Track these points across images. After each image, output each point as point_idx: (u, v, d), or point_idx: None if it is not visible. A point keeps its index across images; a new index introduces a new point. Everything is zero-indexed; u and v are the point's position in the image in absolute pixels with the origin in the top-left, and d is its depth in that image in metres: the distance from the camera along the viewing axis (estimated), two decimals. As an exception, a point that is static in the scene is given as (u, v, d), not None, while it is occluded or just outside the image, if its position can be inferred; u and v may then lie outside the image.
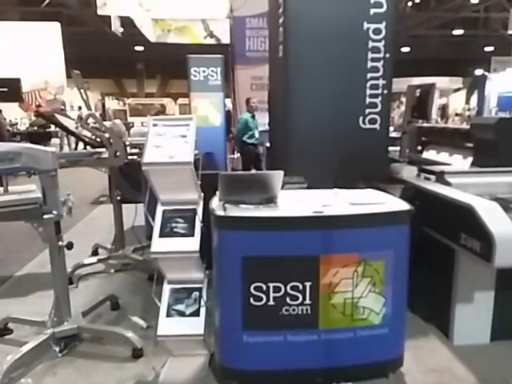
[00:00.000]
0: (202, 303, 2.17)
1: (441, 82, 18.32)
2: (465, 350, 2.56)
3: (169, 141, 2.14)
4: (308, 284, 2.09)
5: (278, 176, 2.17)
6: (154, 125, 2.23)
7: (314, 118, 3.37)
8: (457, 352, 2.54)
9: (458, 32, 19.65)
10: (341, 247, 2.11)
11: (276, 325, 2.11)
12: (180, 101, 20.52)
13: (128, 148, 3.45)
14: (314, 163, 3.27)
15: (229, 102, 8.11)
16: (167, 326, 2.12)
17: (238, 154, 7.19)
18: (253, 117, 6.71)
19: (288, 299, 2.09)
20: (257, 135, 6.70)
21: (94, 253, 4.17)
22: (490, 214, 2.23)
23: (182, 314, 2.15)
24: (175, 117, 2.79)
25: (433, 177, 3.09)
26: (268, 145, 5.06)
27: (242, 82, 7.73)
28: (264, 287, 2.06)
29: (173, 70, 18.29)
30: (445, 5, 15.47)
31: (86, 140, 3.30)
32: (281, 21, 3.48)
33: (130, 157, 3.24)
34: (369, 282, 2.16)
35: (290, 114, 3.45)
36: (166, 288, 2.19)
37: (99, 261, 3.85)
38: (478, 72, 18.90)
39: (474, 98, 20.29)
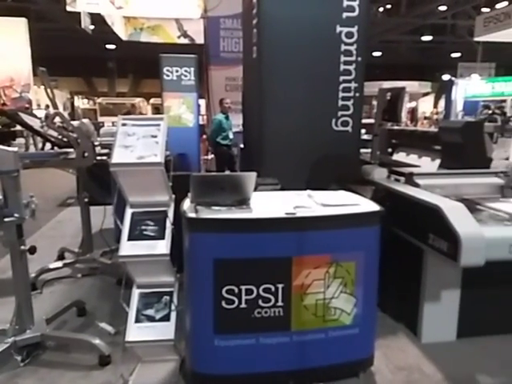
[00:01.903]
0: (173, 307, 2.13)
1: (410, 86, 18.84)
2: (433, 347, 2.61)
3: (138, 141, 2.09)
4: (280, 286, 2.08)
5: (250, 177, 2.15)
6: (123, 124, 2.17)
7: (288, 119, 3.38)
8: (425, 350, 2.60)
9: (426, 38, 20.25)
10: (313, 248, 2.12)
11: (248, 328, 2.09)
12: (153, 101, 20.23)
13: (98, 148, 3.34)
14: (288, 164, 3.28)
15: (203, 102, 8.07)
16: (136, 331, 2.06)
17: (212, 155, 7.14)
18: (227, 118, 6.68)
19: (260, 301, 2.07)
20: (231, 136, 6.68)
21: (60, 257, 4.02)
22: (457, 215, 2.29)
23: (151, 319, 2.10)
24: (145, 116, 2.74)
25: (402, 178, 3.15)
26: (242, 146, 5.05)
27: (216, 83, 7.69)
28: (236, 290, 2.04)
29: (145, 69, 17.99)
30: (414, 11, 15.91)
31: (52, 140, 3.18)
32: (254, 22, 3.48)
33: (98, 157, 3.14)
34: (340, 283, 2.17)
35: (263, 116, 3.45)
36: (135, 292, 2.14)
37: (65, 265, 3.72)
38: (446, 77, 19.57)
39: (442, 102, 20.95)
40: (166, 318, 2.12)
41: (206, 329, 2.07)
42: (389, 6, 17.77)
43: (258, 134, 3.59)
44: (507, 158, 10.34)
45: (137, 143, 2.08)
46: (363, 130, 7.28)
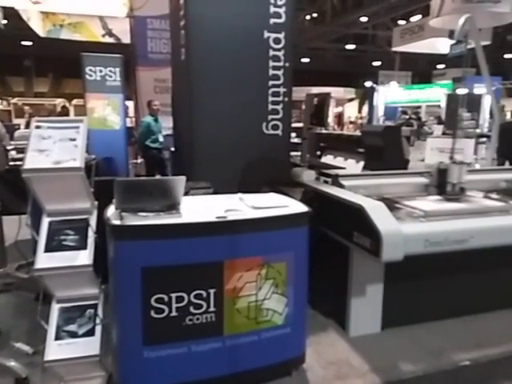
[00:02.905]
0: (98, 321, 2.01)
1: (337, 92, 19.82)
2: (360, 340, 2.74)
3: (55, 145, 1.94)
4: (212, 291, 2.06)
5: (180, 182, 2.10)
6: (37, 127, 2.00)
7: (219, 122, 3.37)
8: (353, 343, 2.72)
9: (350, 46, 21.41)
10: (244, 251, 2.12)
11: (179, 336, 2.03)
12: (75, 102, 19.03)
13: (13, 152, 3.07)
14: (220, 168, 3.27)
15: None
16: (56, 349, 1.92)
17: (142, 159, 6.90)
18: (156, 120, 6.50)
19: (192, 308, 2.03)
20: (161, 139, 6.50)
21: (-30, 272, 3.64)
22: (378, 214, 2.42)
23: (73, 334, 1.96)
24: (63, 118, 2.56)
25: (330, 180, 3.28)
26: (173, 149, 4.94)
27: (145, 84, 7.45)
28: (166, 298, 1.98)
29: (67, 68, 16.94)
30: (338, 20, 16.72)
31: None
32: (182, 23, 3.42)
33: (12, 163, 2.88)
34: (272, 284, 2.20)
35: (193, 119, 3.40)
36: (55, 308, 1.99)
37: (-24, 282, 3.36)
38: (368, 84, 20.84)
39: (366, 108, 22.28)
40: (91, 333, 1.99)
41: (134, 341, 1.97)
42: (315, 15, 18.53)
43: (188, 138, 3.53)
44: (423, 160, 11.28)
45: (53, 147, 1.93)
46: (293, 134, 7.51)
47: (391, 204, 2.88)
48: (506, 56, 22.67)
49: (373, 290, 2.82)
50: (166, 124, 6.00)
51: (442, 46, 12.02)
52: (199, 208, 2.26)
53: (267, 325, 2.21)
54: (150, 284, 1.95)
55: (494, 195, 3.25)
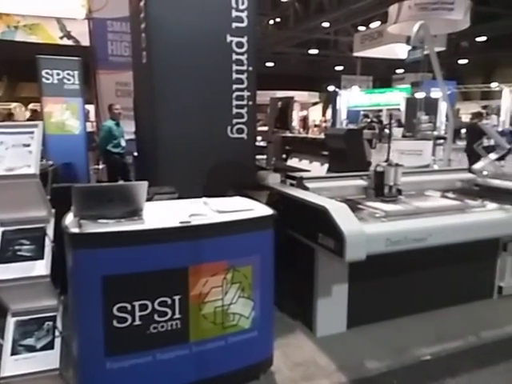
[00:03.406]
0: (57, 333, 1.93)
1: (301, 96, 20.17)
2: (326, 340, 2.78)
3: (7, 151, 1.85)
4: (177, 298, 2.02)
5: (141, 187, 2.06)
6: (-12, 132, 1.90)
7: (182, 126, 3.32)
8: (320, 343, 2.75)
9: (313, 51, 21.83)
10: (210, 256, 2.10)
11: (143, 345, 1.98)
12: (31, 106, 18.25)
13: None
14: (185, 172, 3.22)
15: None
16: (13, 364, 1.83)
17: (104, 165, 6.71)
18: (117, 124, 6.35)
19: (156, 316, 1.99)
20: (123, 144, 6.36)
21: None
22: (341, 215, 2.47)
23: (31, 349, 1.87)
24: (16, 123, 2.45)
25: (294, 182, 3.31)
26: (136, 154, 4.84)
27: (106, 88, 7.27)
28: (129, 307, 1.93)
29: (23, 71, 16.21)
30: (301, 26, 17.01)
31: None
32: (143, 26, 3.36)
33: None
34: (238, 288, 2.19)
35: (157, 123, 3.35)
36: (10, 321, 1.89)
37: None
38: (331, 88, 21.31)
39: (329, 111, 22.76)
40: (49, 346, 1.91)
41: (96, 352, 1.91)
42: (278, 20, 18.76)
43: (151, 142, 3.47)
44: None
45: (5, 153, 1.84)
46: (259, 137, 7.55)
47: (354, 205, 2.94)
48: (460, 61, 23.84)
49: (338, 291, 2.87)
50: (129, 128, 5.88)
51: (400, 51, 12.48)
52: (163, 213, 2.22)
53: (234, 329, 2.19)
54: (112, 293, 1.90)
55: (450, 194, 3.40)
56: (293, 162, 6.43)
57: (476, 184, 3.62)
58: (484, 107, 14.94)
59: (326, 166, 5.48)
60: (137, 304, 1.94)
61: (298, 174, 3.38)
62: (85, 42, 7.61)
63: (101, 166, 6.98)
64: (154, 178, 3.26)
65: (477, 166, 3.61)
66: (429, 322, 3.03)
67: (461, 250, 2.94)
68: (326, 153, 5.51)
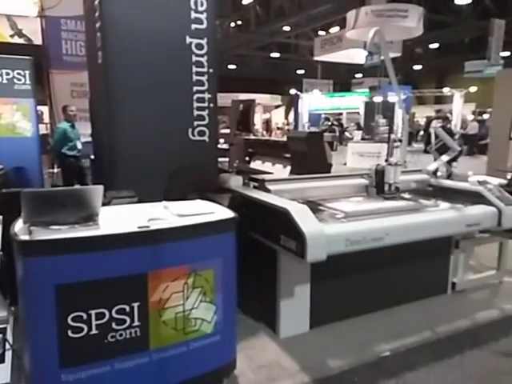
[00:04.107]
0: (8, 346, 1.82)
1: (263, 98, 20.32)
2: (290, 341, 2.80)
3: None
4: (136, 304, 1.96)
5: (96, 191, 1.99)
6: None
7: (141, 128, 3.25)
8: (283, 345, 2.76)
9: (275, 54, 22.07)
10: (170, 261, 2.06)
11: (101, 355, 1.91)
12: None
13: None
14: (145, 176, 3.15)
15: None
16: (-44, 384, 1.70)
17: (59, 168, 6.45)
18: (72, 126, 6.12)
19: (114, 324, 1.92)
20: (79, 146, 6.14)
21: None
22: (302, 216, 2.49)
23: (-23, 365, 1.75)
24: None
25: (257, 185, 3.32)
26: (92, 157, 4.68)
27: (61, 89, 6.99)
28: (84, 316, 1.85)
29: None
30: (262, 29, 17.17)
31: None
32: (98, 25, 3.26)
33: None
34: (199, 293, 2.16)
35: (114, 125, 3.25)
36: (-46, 337, 1.76)
37: None
38: (293, 91, 21.62)
39: (292, 114, 23.07)
40: (0, 360, 1.80)
41: (50, 364, 1.82)
42: (239, 22, 18.83)
43: (108, 145, 3.37)
44: (345, 163, 11.93)
45: None
46: (222, 140, 7.52)
47: (315, 206, 2.99)
48: (415, 67, 24.91)
49: (300, 291, 2.90)
50: (85, 130, 5.68)
51: (358, 56, 12.85)
52: (120, 218, 2.16)
53: (196, 334, 2.16)
54: (66, 302, 1.81)
55: (406, 195, 3.52)
56: (256, 164, 6.46)
57: (430, 184, 3.77)
58: (437, 111, 15.64)
59: (289, 168, 5.55)
60: (93, 313, 1.87)
61: (260, 177, 3.39)
62: (37, 40, 7.29)
63: (55, 170, 6.70)
64: (111, 181, 3.17)
65: (430, 167, 3.77)
66: (388, 318, 3.12)
67: (416, 249, 3.05)
68: (288, 155, 5.59)
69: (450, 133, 9.51)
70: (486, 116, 17.29)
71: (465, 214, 3.04)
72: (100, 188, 1.99)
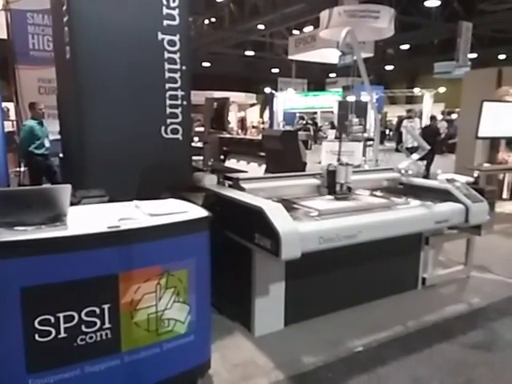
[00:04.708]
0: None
1: (238, 97, 20.28)
2: (265, 339, 2.81)
3: None
4: (106, 306, 1.92)
5: (64, 190, 1.92)
6: None
7: (113, 126, 3.17)
8: (258, 343, 2.76)
9: (249, 53, 22.04)
10: (141, 262, 2.02)
11: (70, 359, 1.85)
12: None
13: None
14: (116, 174, 3.08)
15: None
16: None
17: (26, 167, 6.23)
18: (40, 123, 5.93)
19: (83, 327, 1.87)
20: (47, 144, 5.95)
21: None
22: (276, 214, 2.50)
23: None
24: None
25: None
26: (61, 155, 4.54)
27: (27, 85, 6.76)
28: (52, 319, 1.79)
29: None
30: (237, 27, 17.11)
31: None
32: (65, 19, 3.16)
33: None
34: (173, 293, 2.13)
35: (83, 122, 3.17)
36: None
37: None
38: (267, 90, 21.68)
39: (267, 113, 23.12)
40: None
41: (17, 369, 1.75)
42: (214, 20, 18.71)
43: (77, 143, 3.28)
44: (320, 162, 12.06)
45: None
46: (196, 138, 7.45)
47: (289, 205, 3.00)
48: (387, 67, 25.43)
49: (275, 289, 2.91)
50: (54, 128, 5.51)
51: (332, 56, 12.98)
52: (90, 218, 2.10)
53: (169, 335, 2.13)
54: (33, 305, 1.75)
55: (378, 193, 3.59)
56: (231, 162, 6.44)
57: (400, 182, 3.85)
58: (408, 111, 16.02)
59: (264, 166, 5.56)
60: (61, 316, 1.81)
61: (234, 175, 3.38)
62: (2, 34, 7.02)
63: (22, 169, 6.48)
64: (81, 180, 3.08)
65: (401, 165, 3.85)
66: (361, 314, 3.18)
67: (388, 246, 3.11)
68: (263, 154, 5.60)
69: (437, 133, 9.94)
70: (454, 116, 17.85)
71: (434, 211, 3.13)
72: (68, 187, 1.93)
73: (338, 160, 3.51)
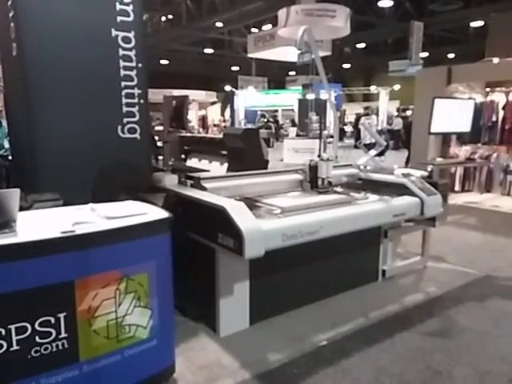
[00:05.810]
0: None
1: (198, 95, 20.05)
2: (230, 339, 2.79)
3: None
4: (62, 315, 1.83)
5: (12, 195, 1.81)
6: None
7: (65, 126, 3.03)
8: (223, 343, 2.74)
9: (208, 50, 21.85)
10: (99, 267, 1.94)
11: (24, 372, 1.76)
12: None
13: None
14: (71, 177, 2.95)
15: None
16: None
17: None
18: None
19: (38, 338, 1.77)
20: (7, 146, 5.63)
21: None
22: (239, 213, 2.48)
23: None
24: None
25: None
26: (11, 158, 4.30)
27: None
28: (3, 332, 1.69)
29: None
30: (195, 24, 16.91)
31: None
32: (11, 15, 2.99)
33: None
34: (133, 298, 2.06)
35: (33, 123, 3.00)
36: None
37: None
38: (228, 88, 21.60)
39: (228, 111, 23.04)
40: None
41: (-37, 390, 1.64)
42: (171, 17, 18.38)
43: (28, 144, 3.11)
44: (282, 160, 12.16)
45: None
46: (157, 137, 7.27)
47: (252, 203, 2.99)
48: (345, 66, 26.05)
49: (240, 289, 2.89)
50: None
51: (291, 54, 13.12)
52: (42, 223, 2.00)
53: (130, 341, 2.07)
54: (-20, 319, 1.64)
55: (338, 189, 3.65)
56: (192, 162, 6.34)
57: (359, 178, 3.94)
58: (366, 108, 16.49)
59: (226, 165, 5.52)
60: (13, 327, 1.71)
61: (196, 175, 3.33)
62: None
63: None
64: (33, 184, 2.93)
65: (359, 161, 3.94)
66: (324, 308, 3.23)
67: (349, 240, 3.17)
68: (225, 152, 5.56)
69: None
70: (408, 112, 18.55)
71: (391, 205, 3.22)
72: (16, 191, 1.82)
73: (319, 156, 3.59)
